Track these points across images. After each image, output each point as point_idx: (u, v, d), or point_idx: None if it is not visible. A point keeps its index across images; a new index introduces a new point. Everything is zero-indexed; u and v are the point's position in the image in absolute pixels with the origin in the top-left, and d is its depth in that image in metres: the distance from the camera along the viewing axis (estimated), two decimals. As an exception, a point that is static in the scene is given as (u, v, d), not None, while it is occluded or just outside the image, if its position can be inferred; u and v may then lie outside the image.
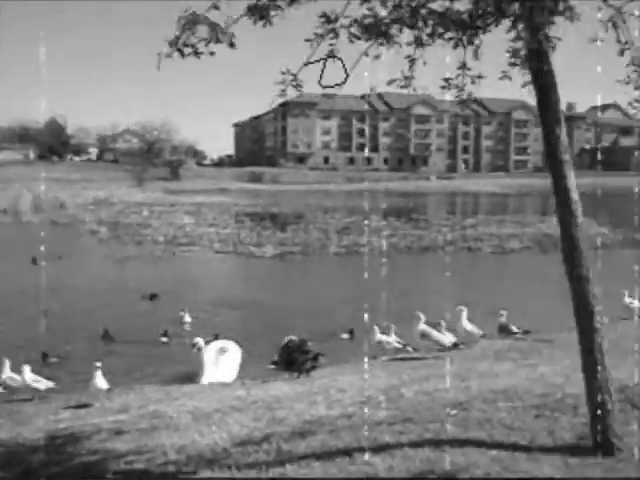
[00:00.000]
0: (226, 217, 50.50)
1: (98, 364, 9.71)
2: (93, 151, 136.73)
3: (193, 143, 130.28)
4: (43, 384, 9.80)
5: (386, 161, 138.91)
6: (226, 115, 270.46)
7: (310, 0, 4.83)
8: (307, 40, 4.43)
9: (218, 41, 4.38)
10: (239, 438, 5.49)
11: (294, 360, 9.40)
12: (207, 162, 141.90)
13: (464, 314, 11.01)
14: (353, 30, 4.60)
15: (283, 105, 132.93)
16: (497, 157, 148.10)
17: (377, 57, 5.28)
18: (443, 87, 4.97)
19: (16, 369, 10.14)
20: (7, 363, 9.93)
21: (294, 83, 4.50)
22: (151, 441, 5.83)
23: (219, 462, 4.82)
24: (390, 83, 5.40)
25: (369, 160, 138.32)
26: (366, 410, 5.74)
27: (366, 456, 4.52)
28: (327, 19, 4.46)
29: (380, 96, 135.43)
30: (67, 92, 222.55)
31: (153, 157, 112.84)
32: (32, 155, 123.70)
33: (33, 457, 5.97)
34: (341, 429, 5.33)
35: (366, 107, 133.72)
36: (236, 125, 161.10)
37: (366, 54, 5.21)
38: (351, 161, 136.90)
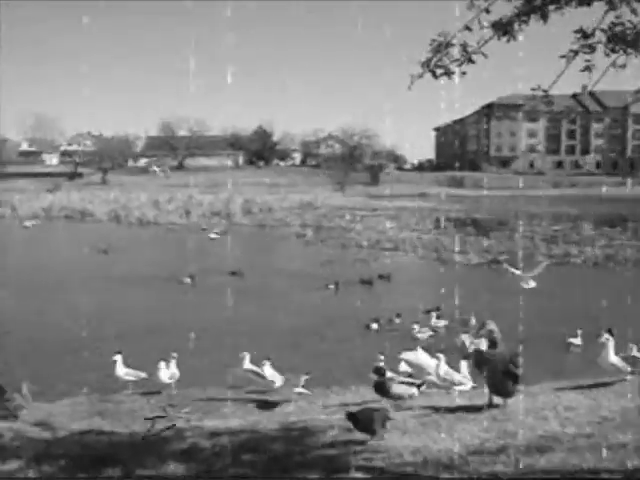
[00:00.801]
0: (427, 222, 50.51)
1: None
2: (297, 156, 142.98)
3: (394, 148, 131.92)
4: (279, 379, 10.47)
5: (599, 165, 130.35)
6: (427, 119, 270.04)
7: (559, 9, 4.77)
8: (562, 56, 4.43)
9: (470, 61, 4.54)
10: (472, 447, 5.60)
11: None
12: (407, 166, 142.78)
13: None
14: (610, 45, 4.51)
15: (486, 107, 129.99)
16: None
17: (623, 66, 5.12)
18: None
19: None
20: (247, 356, 10.78)
21: (545, 100, 4.53)
22: (383, 441, 6.11)
23: (458, 468, 4.97)
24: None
25: (578, 164, 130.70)
26: (606, 431, 5.58)
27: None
28: (583, 34, 4.43)
29: (592, 95, 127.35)
30: (274, 100, 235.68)
31: (354, 162, 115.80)
32: (241, 160, 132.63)
33: (274, 445, 6.50)
34: (582, 448, 5.24)
35: (578, 107, 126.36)
36: (437, 129, 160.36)
37: (613, 65, 5.07)
38: (559, 165, 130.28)
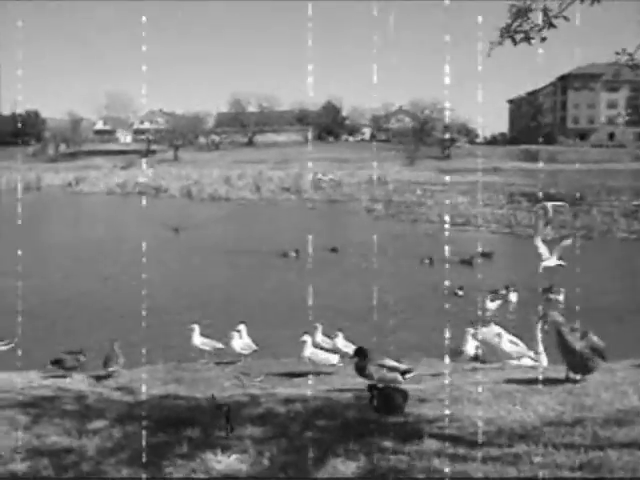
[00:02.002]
0: (500, 197, 49.60)
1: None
2: (366, 131, 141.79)
3: (465, 121, 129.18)
4: (350, 349, 10.60)
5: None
6: (501, 92, 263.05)
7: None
8: (648, 17, 4.27)
9: (551, 26, 4.42)
10: (547, 419, 5.56)
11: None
12: (480, 140, 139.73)
13: None
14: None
15: (563, 78, 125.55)
16: None
17: None
18: None
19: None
20: (320, 328, 10.95)
21: (630, 63, 4.38)
22: (456, 411, 6.13)
23: (532, 438, 4.95)
24: None
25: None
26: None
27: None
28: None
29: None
30: (339, 75, 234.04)
31: (425, 136, 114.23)
32: (310, 136, 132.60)
33: (348, 412, 6.61)
34: (662, 422, 5.15)
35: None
36: (511, 101, 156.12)
37: None
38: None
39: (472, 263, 22.09)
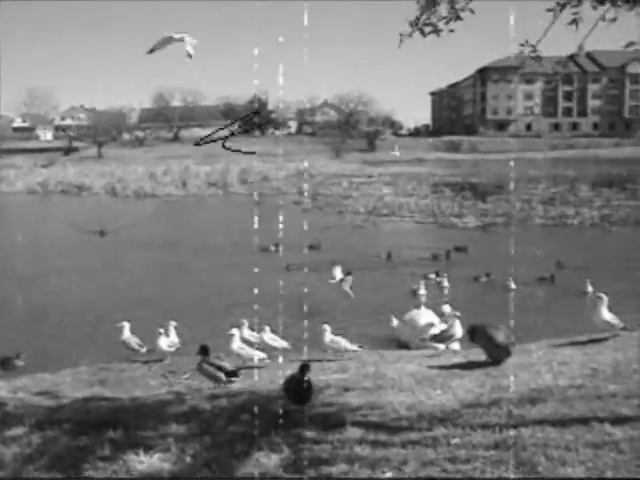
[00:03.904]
0: (424, 187, 50.58)
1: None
2: (293, 125, 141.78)
3: (389, 114, 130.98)
4: (279, 343, 10.59)
5: (596, 126, 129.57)
6: (423, 85, 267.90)
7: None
8: (549, 10, 4.43)
9: (458, 18, 4.53)
10: (466, 401, 5.73)
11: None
12: (404, 132, 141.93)
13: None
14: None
15: (482, 71, 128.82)
16: None
17: (613, 20, 5.11)
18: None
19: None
20: (246, 323, 10.90)
21: (533, 54, 4.53)
22: (379, 398, 6.23)
23: (451, 421, 5.09)
24: (629, 46, 5.19)
25: (576, 125, 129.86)
26: (597, 382, 5.71)
27: (606, 426, 4.53)
28: (570, -13, 4.41)
29: (589, 55, 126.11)
30: (266, 69, 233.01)
31: (350, 129, 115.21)
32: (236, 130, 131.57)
33: (272, 406, 6.61)
34: (572, 399, 5.38)
35: (573, 67, 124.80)
36: (433, 94, 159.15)
37: (603, 19, 5.05)
38: (556, 127, 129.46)
39: (449, 257, 21.64)
